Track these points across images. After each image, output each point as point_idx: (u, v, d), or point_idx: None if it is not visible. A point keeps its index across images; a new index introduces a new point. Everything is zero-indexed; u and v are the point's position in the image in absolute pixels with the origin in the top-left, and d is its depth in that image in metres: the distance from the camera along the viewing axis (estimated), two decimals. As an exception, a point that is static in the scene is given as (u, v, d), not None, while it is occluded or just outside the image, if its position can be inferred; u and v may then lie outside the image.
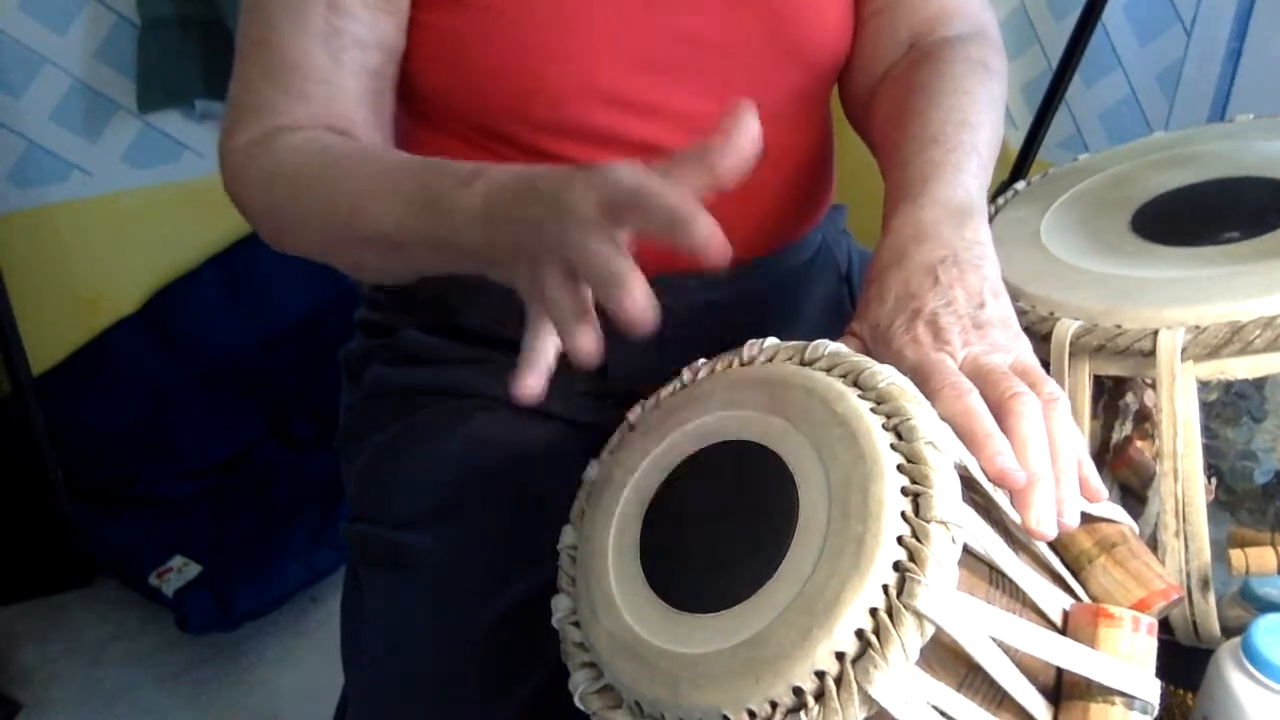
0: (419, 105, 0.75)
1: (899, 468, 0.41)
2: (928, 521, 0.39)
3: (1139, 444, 0.56)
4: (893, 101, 0.71)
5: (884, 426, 0.42)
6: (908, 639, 0.37)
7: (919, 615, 0.38)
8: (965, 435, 0.45)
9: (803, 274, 0.84)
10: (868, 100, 0.77)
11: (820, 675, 0.38)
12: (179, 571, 1.67)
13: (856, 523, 0.40)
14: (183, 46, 1.84)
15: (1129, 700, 0.43)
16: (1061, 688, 0.44)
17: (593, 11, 0.68)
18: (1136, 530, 0.49)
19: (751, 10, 0.71)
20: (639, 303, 0.44)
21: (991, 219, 0.71)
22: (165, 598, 1.64)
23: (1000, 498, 0.45)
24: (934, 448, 0.41)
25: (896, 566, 0.39)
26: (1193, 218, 0.62)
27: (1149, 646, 0.44)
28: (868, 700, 0.37)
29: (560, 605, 0.49)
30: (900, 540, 0.39)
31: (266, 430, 2.00)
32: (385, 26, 0.70)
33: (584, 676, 0.46)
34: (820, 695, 0.38)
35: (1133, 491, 0.57)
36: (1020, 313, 0.59)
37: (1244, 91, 1.51)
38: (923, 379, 0.48)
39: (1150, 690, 0.43)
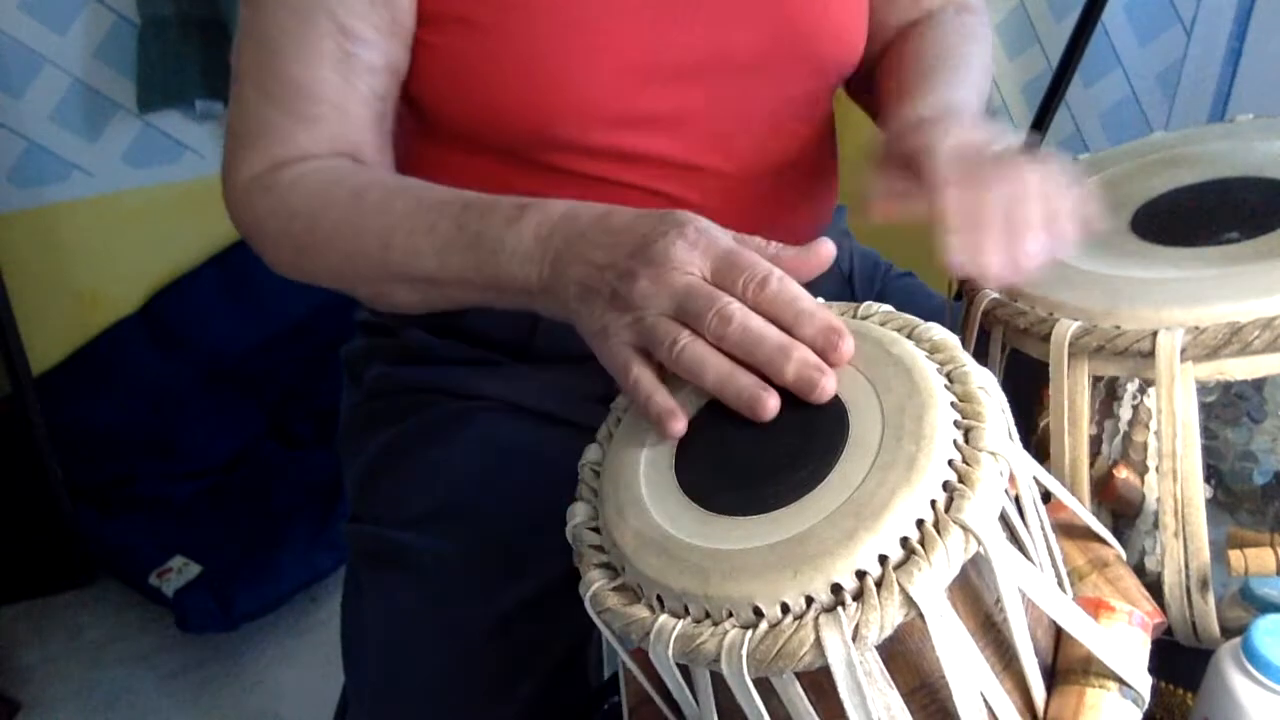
0: (423, 123, 0.74)
1: (951, 404, 0.42)
2: (979, 450, 0.40)
3: (1125, 472, 0.56)
4: (896, 56, 0.79)
5: (937, 371, 0.44)
6: (952, 546, 0.38)
7: (965, 528, 0.38)
8: None
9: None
10: (869, 72, 0.82)
11: (861, 575, 0.38)
12: (179, 571, 1.67)
13: (909, 443, 0.41)
14: (183, 46, 1.84)
15: (1122, 687, 0.43)
16: (1056, 674, 0.45)
17: (599, 28, 0.68)
18: (1125, 558, 0.52)
19: (761, 18, 0.71)
20: (823, 370, 0.44)
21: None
22: (165, 598, 1.64)
23: (1029, 492, 0.46)
24: (985, 392, 0.43)
25: (945, 486, 0.40)
26: (1192, 218, 0.62)
27: (1144, 643, 0.45)
28: (908, 601, 0.37)
29: (577, 511, 0.48)
30: (950, 464, 0.40)
31: (266, 430, 2.00)
32: (393, 49, 0.69)
33: (599, 575, 0.45)
34: (859, 595, 0.38)
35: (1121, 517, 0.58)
36: (1019, 313, 0.59)
37: (1244, 91, 1.51)
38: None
39: (1143, 682, 0.44)
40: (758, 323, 0.45)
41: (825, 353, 0.44)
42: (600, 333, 0.51)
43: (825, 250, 0.50)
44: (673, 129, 0.72)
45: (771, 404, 0.44)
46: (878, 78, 0.80)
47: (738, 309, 0.46)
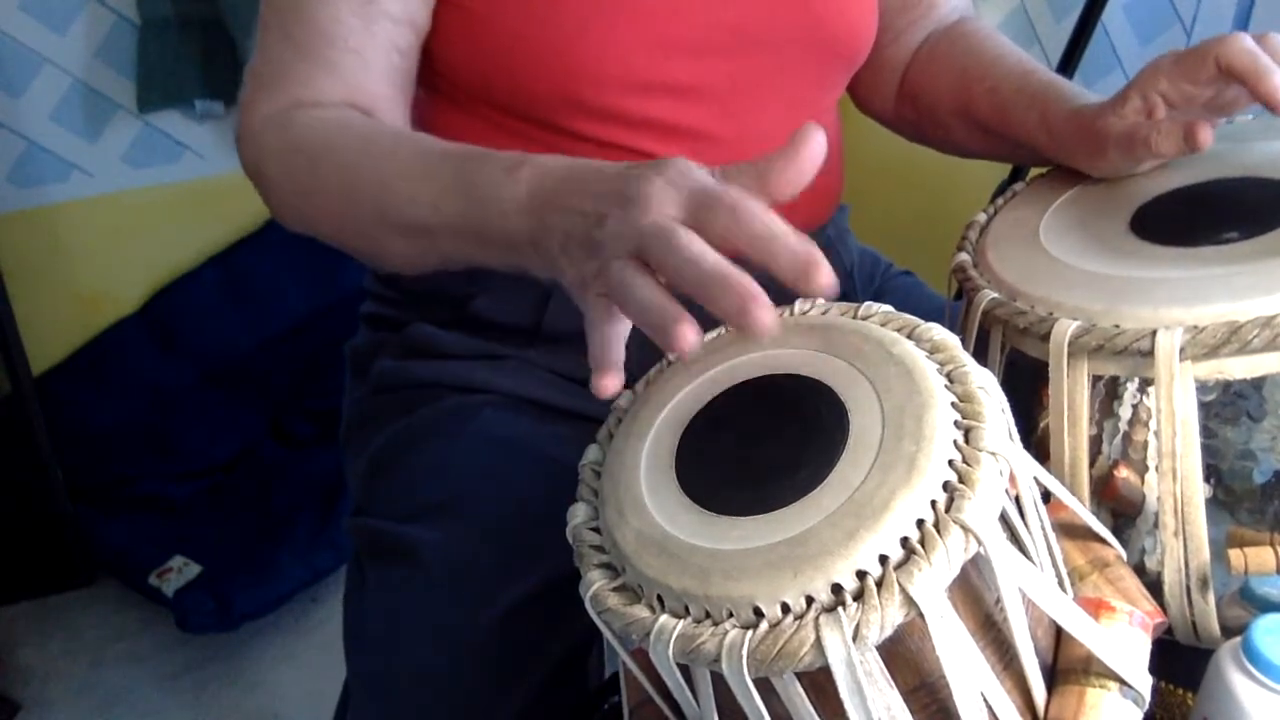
0: (443, 85, 0.75)
1: (952, 404, 0.42)
2: (979, 450, 0.40)
3: (1125, 472, 0.56)
4: (953, 56, 0.82)
5: (938, 371, 0.44)
6: (953, 546, 0.38)
7: (965, 528, 0.38)
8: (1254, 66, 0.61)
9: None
10: (900, 73, 0.87)
11: (861, 575, 0.38)
12: (179, 571, 1.67)
13: (910, 443, 0.41)
14: (183, 47, 1.84)
15: (1123, 687, 0.43)
16: (1056, 674, 0.45)
17: None
18: (1125, 559, 0.52)
19: (781, 1, 0.73)
20: (761, 304, 0.41)
21: (991, 219, 0.71)
22: (165, 598, 1.64)
23: (1029, 492, 0.46)
24: (985, 392, 0.43)
25: (945, 486, 0.40)
26: (1191, 218, 0.62)
27: (1144, 643, 0.45)
28: (908, 601, 0.37)
29: (577, 512, 0.48)
30: (951, 464, 0.40)
31: (266, 430, 2.00)
32: (414, 5, 0.70)
33: (599, 575, 0.44)
34: (860, 595, 0.38)
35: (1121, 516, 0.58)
36: (1019, 312, 0.59)
37: (1243, 92, 1.51)
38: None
39: (1143, 682, 0.44)
40: (704, 255, 0.42)
41: (799, 281, 0.42)
42: (579, 284, 0.49)
43: (815, 138, 0.45)
44: (691, 100, 0.73)
45: (690, 336, 0.42)
46: (937, 74, 0.83)
47: (690, 245, 0.43)
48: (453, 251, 0.61)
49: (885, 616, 0.37)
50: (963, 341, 0.53)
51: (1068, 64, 1.50)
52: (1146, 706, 0.44)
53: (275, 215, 0.70)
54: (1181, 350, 0.52)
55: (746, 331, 0.42)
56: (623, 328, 0.48)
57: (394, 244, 0.63)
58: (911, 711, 0.40)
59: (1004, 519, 0.42)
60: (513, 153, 0.56)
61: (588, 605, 0.44)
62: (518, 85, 0.71)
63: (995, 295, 0.61)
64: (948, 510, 0.39)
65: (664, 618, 0.41)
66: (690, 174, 0.46)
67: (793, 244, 0.42)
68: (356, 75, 0.68)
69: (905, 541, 0.38)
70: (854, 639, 0.37)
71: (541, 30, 0.69)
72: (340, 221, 0.66)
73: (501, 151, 0.57)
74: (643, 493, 0.45)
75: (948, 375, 0.44)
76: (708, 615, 0.40)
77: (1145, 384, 0.55)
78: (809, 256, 0.42)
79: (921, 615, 0.37)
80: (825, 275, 0.42)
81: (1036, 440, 0.59)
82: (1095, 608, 0.45)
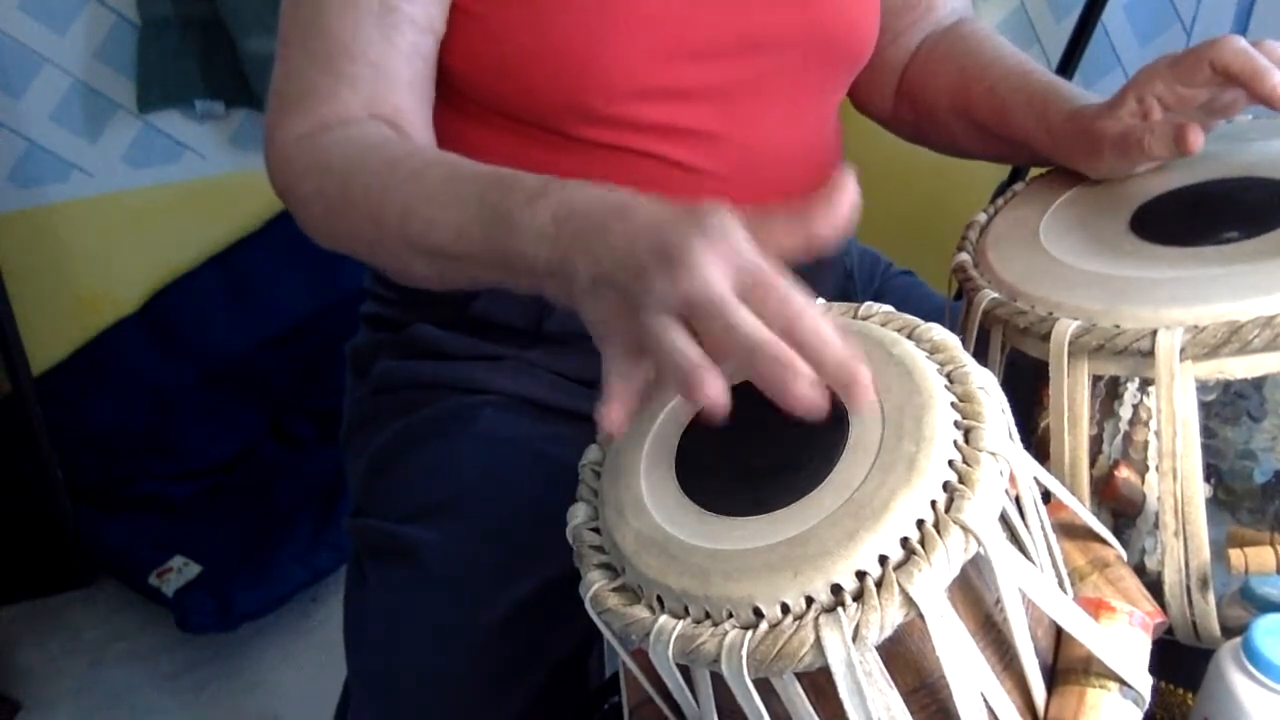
0: (454, 95, 0.75)
1: (952, 405, 0.42)
2: (979, 450, 0.40)
3: (1125, 472, 0.56)
4: (952, 57, 0.82)
5: (938, 372, 0.44)
6: (953, 546, 0.38)
7: (965, 528, 0.38)
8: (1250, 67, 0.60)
9: (810, 272, 0.85)
10: (899, 74, 0.88)
11: (861, 576, 0.38)
12: (179, 571, 1.67)
13: (910, 443, 0.41)
14: (183, 46, 1.84)
15: (1123, 687, 0.43)
16: (1056, 674, 0.45)
17: (636, 3, 0.69)
18: (1125, 559, 0.52)
19: (786, 3, 0.74)
20: (804, 379, 0.41)
21: (991, 219, 0.71)
22: (165, 598, 1.64)
23: (1029, 492, 0.46)
24: (985, 392, 0.43)
25: (945, 487, 0.40)
26: (1192, 218, 0.62)
27: (1144, 643, 0.45)
28: (908, 602, 0.37)
29: (577, 512, 0.48)
30: (951, 464, 0.40)
31: (266, 430, 2.00)
32: (434, 11, 0.70)
33: (599, 575, 0.44)
34: (860, 596, 0.38)
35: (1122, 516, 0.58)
36: (1019, 312, 0.59)
37: (1244, 91, 1.51)
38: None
39: (1143, 682, 0.44)
40: (757, 330, 0.43)
41: (841, 392, 0.42)
42: (602, 323, 0.49)
43: (850, 186, 0.47)
44: (694, 103, 0.73)
45: (718, 391, 0.42)
46: (938, 74, 0.84)
47: (747, 320, 0.43)
48: (478, 275, 0.60)
49: (885, 617, 0.37)
50: (963, 341, 0.54)
51: (1068, 64, 1.50)
52: (1146, 706, 0.44)
53: (308, 234, 0.69)
54: (1182, 350, 0.52)
55: (785, 405, 0.41)
56: (643, 371, 0.48)
57: (421, 266, 0.63)
58: (911, 712, 0.40)
59: (1004, 519, 0.42)
60: (536, 178, 0.56)
61: (588, 606, 0.44)
62: (524, 94, 0.71)
63: (995, 295, 0.61)
64: (948, 510, 0.39)
65: (664, 618, 0.41)
66: (737, 246, 0.44)
67: (839, 353, 0.42)
68: (379, 88, 0.68)
69: (905, 542, 0.38)
70: (854, 639, 0.37)
71: (547, 41, 0.69)
72: (369, 243, 0.65)
73: (527, 175, 0.57)
74: (643, 493, 0.45)
75: (948, 375, 0.44)
76: (707, 615, 0.40)
77: (1146, 384, 0.55)
78: (853, 373, 0.42)
79: (921, 616, 0.37)
80: (866, 394, 0.42)
81: (1036, 440, 0.59)
82: (1095, 608, 0.46)
